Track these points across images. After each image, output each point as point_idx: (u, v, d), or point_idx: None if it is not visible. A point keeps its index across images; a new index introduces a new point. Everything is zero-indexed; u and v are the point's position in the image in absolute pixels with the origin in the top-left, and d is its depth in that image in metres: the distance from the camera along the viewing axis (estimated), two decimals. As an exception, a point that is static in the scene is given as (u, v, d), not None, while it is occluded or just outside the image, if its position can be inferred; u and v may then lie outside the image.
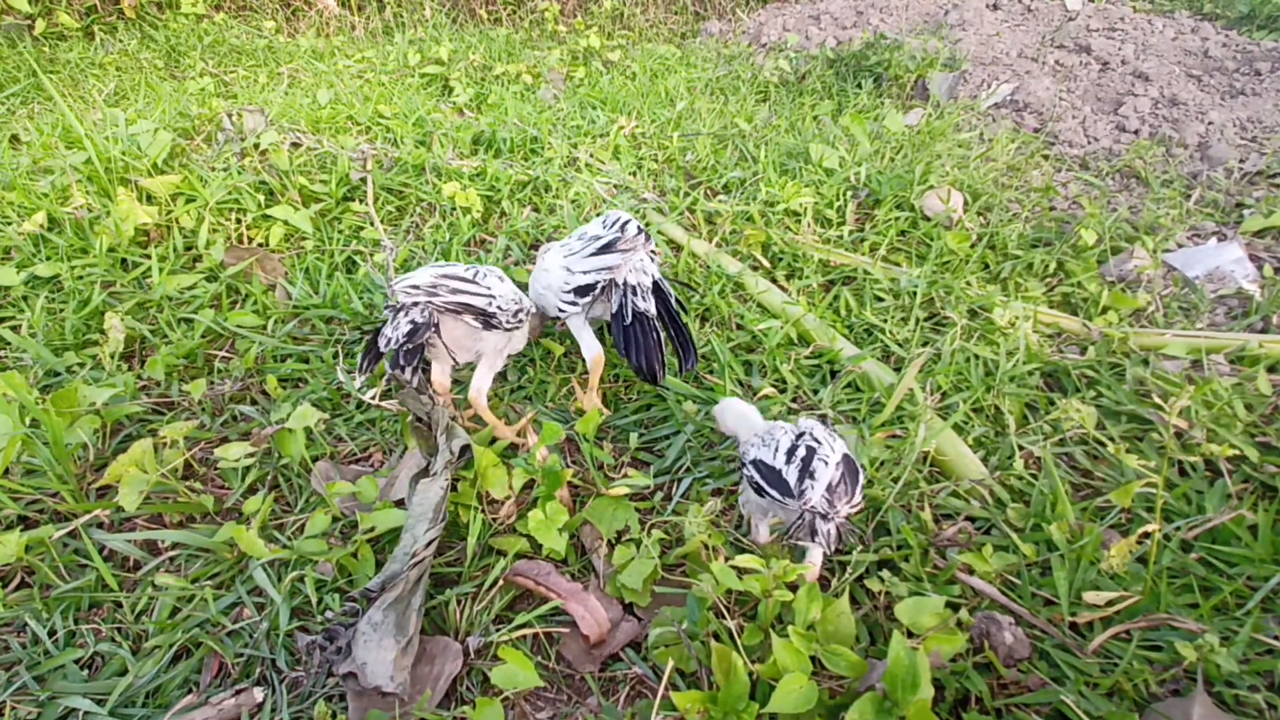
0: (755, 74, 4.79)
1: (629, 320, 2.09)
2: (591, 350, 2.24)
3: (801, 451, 1.65)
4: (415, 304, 1.97)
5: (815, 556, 1.74)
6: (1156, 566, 1.74)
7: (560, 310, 2.23)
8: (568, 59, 5.13)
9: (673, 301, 2.23)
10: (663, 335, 2.18)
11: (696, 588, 1.63)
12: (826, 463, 1.61)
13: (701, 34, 6.03)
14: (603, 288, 2.13)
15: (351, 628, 1.60)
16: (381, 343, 1.95)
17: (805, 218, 3.14)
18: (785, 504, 1.60)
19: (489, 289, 2.04)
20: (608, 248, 2.11)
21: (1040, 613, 1.71)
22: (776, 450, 1.67)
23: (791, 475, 1.61)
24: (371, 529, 1.87)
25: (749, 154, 3.65)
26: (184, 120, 3.57)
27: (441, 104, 4.29)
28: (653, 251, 2.23)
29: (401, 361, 1.92)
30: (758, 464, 1.68)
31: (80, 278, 2.68)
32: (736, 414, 1.91)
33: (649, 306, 2.13)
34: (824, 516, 1.58)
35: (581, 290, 2.13)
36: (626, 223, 2.19)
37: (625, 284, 2.11)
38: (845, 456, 1.67)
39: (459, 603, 1.79)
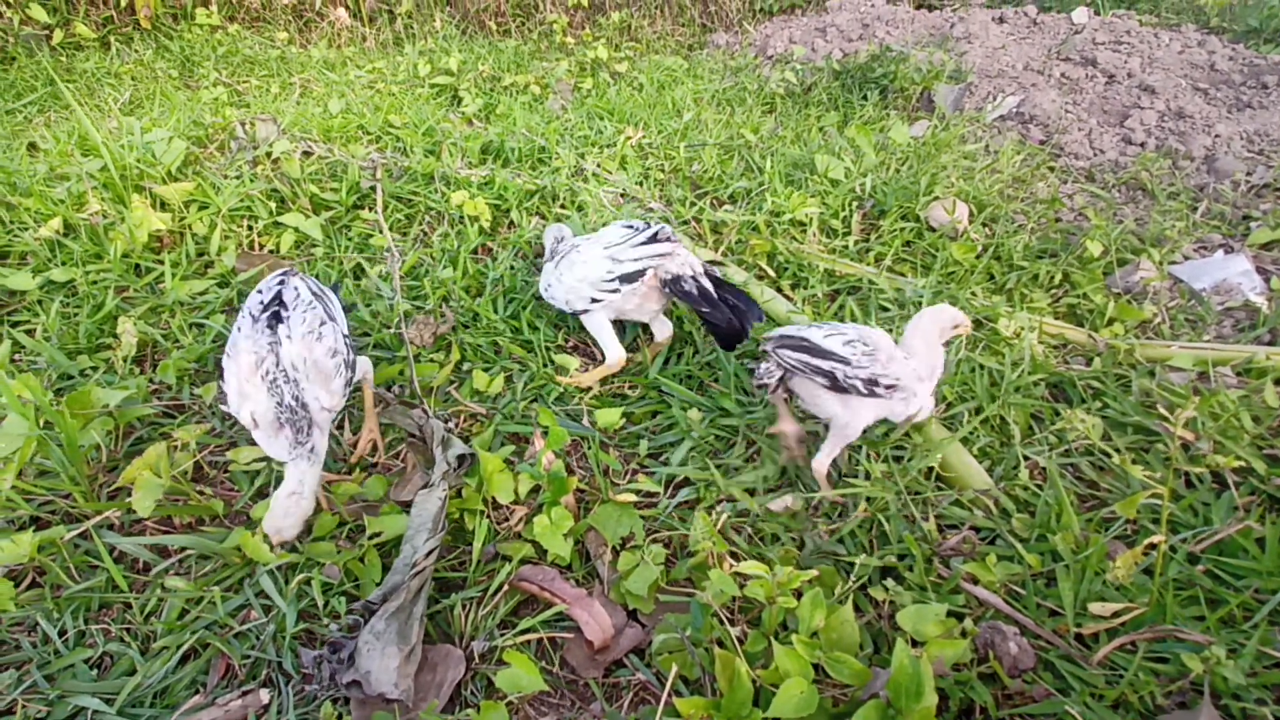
0: (761, 85, 4.82)
1: (717, 297, 2.29)
2: (614, 352, 2.40)
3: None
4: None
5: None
6: (1162, 578, 1.74)
7: (594, 300, 2.36)
8: (575, 70, 5.18)
9: (721, 278, 2.42)
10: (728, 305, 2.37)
11: (700, 594, 1.64)
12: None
13: (708, 46, 6.08)
14: (653, 275, 2.30)
15: (355, 638, 1.62)
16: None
17: (811, 228, 3.16)
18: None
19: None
20: (653, 239, 2.32)
21: (1045, 623, 1.70)
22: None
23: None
24: (378, 534, 1.89)
25: (755, 164, 3.68)
26: (198, 129, 3.62)
27: (451, 114, 4.33)
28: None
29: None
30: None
31: (94, 283, 2.72)
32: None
33: (709, 287, 2.32)
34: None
35: (629, 277, 2.30)
36: (661, 226, 2.39)
37: (687, 274, 2.32)
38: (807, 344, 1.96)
39: (464, 607, 1.80)
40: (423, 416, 2.18)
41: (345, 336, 1.98)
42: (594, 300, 2.36)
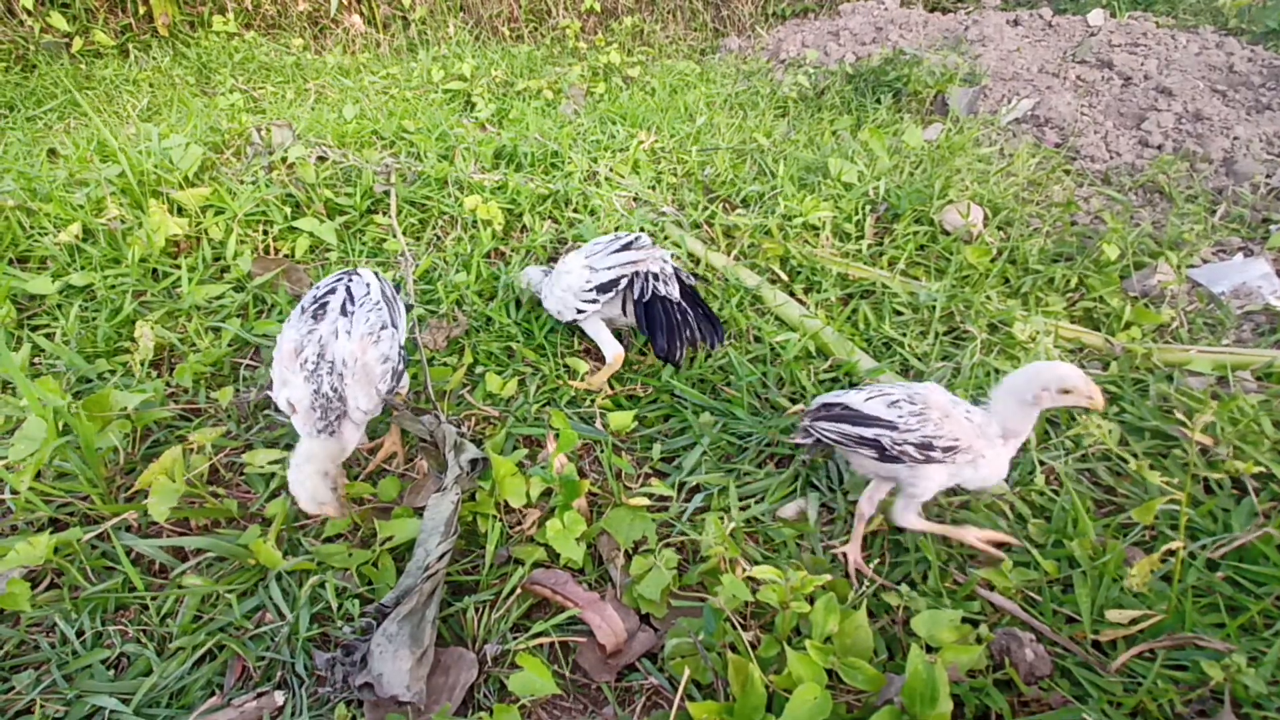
0: (774, 89, 4.82)
1: (648, 299, 2.27)
2: (612, 349, 2.41)
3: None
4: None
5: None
6: (1181, 585, 1.71)
7: (579, 311, 2.39)
8: (588, 75, 5.20)
9: (694, 287, 2.40)
10: (688, 319, 2.34)
11: (713, 599, 1.63)
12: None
13: (721, 50, 6.09)
14: (626, 283, 2.30)
15: (368, 641, 1.62)
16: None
17: (824, 231, 3.15)
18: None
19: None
20: (628, 246, 2.34)
21: (1062, 630, 1.69)
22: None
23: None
24: (390, 538, 1.90)
25: (767, 168, 3.67)
26: (214, 135, 3.65)
27: (464, 119, 4.36)
28: (674, 256, 2.41)
29: None
30: None
31: (113, 287, 2.75)
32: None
33: (672, 291, 2.32)
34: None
35: (604, 286, 2.32)
36: (639, 235, 2.41)
37: (648, 273, 2.31)
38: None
39: (477, 610, 1.80)
40: (435, 420, 2.18)
41: (401, 348, 1.99)
42: (579, 311, 2.39)
